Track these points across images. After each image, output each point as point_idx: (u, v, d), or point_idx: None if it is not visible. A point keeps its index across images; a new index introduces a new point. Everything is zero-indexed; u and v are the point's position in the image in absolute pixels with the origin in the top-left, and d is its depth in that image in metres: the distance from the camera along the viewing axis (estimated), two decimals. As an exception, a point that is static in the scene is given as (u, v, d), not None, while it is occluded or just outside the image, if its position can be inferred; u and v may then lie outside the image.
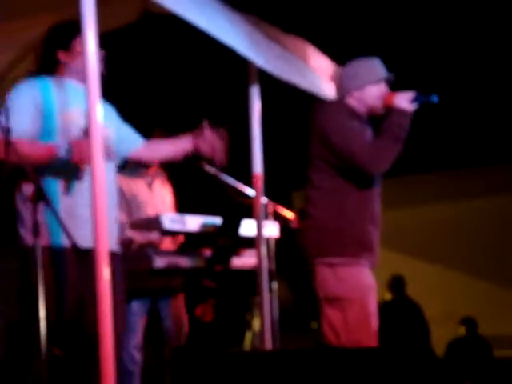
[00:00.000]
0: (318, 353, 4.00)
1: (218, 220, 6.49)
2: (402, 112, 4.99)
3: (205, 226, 6.49)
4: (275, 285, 6.71)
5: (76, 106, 4.97)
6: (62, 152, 4.71)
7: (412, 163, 10.03)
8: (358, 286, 4.98)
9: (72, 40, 5.12)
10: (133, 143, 5.48)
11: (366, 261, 5.07)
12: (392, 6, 8.75)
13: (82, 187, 4.90)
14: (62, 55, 5.12)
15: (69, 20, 5.24)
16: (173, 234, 6.58)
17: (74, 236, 4.38)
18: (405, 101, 5.01)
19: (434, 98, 5.08)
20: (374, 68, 5.23)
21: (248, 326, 10.19)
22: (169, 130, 6.87)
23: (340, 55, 6.40)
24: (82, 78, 4.83)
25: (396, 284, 11.15)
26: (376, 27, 8.82)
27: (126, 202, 6.95)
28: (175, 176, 7.17)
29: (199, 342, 7.91)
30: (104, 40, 4.75)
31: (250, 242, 6.53)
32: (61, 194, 4.95)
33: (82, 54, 4.85)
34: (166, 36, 5.37)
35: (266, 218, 6.57)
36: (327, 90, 6.72)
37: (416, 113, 5.02)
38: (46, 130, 4.78)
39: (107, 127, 5.09)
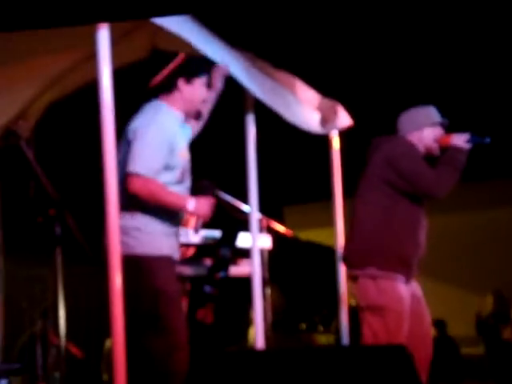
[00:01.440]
0: (311, 352, 4.04)
1: (217, 233, 6.56)
2: (459, 149, 5.15)
3: (206, 238, 6.57)
4: (268, 290, 6.75)
5: (183, 140, 5.04)
6: (190, 206, 4.80)
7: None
8: (396, 298, 5.07)
9: (196, 76, 5.09)
10: None
11: (402, 276, 5.13)
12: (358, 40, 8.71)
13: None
14: (181, 83, 5.06)
15: (199, 57, 5.24)
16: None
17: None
18: (461, 140, 5.16)
19: (487, 140, 5.24)
20: (430, 113, 5.36)
21: (252, 322, 10.29)
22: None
23: (325, 88, 6.50)
24: (186, 110, 5.01)
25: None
26: (355, 61, 8.78)
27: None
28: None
29: (201, 343, 7.96)
30: (118, 75, 4.82)
31: (246, 253, 6.59)
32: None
33: (198, 91, 4.98)
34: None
35: (260, 231, 6.63)
36: (311, 120, 6.83)
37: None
38: (168, 164, 4.78)
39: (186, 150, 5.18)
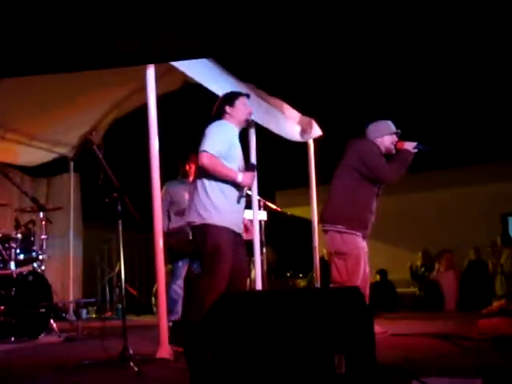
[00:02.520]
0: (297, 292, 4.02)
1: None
2: (409, 152, 5.31)
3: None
4: (264, 249, 6.73)
5: (237, 141, 4.97)
6: (239, 178, 4.68)
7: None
8: (355, 247, 5.19)
9: (235, 100, 4.99)
10: None
11: (360, 233, 5.25)
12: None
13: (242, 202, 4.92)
14: (228, 109, 4.95)
15: (233, 91, 5.25)
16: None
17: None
18: (411, 147, 5.31)
19: (428, 148, 5.37)
20: (389, 125, 5.49)
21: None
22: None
23: (303, 108, 6.51)
24: (239, 122, 4.94)
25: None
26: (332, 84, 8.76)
27: (174, 202, 6.99)
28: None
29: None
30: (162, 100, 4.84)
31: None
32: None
33: (241, 108, 4.95)
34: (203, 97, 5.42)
35: (259, 208, 6.62)
36: (293, 131, 6.85)
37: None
38: (229, 155, 4.70)
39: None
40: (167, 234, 5.38)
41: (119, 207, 4.37)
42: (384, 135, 5.40)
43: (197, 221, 4.68)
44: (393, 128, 5.45)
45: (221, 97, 5.06)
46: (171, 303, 6.54)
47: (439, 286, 10.44)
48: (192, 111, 5.52)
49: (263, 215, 6.84)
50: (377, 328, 3.18)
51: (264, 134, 6.64)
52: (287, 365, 2.43)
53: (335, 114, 6.17)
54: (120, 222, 4.37)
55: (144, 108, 4.81)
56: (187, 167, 7.03)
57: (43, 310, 6.37)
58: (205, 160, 4.62)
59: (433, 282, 10.64)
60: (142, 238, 5.43)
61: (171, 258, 6.56)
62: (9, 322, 5.99)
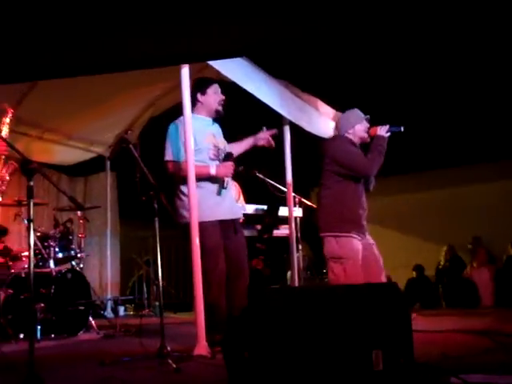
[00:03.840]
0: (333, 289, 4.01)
1: (265, 207, 6.58)
2: (382, 138, 5.18)
3: (257, 210, 6.58)
4: (300, 246, 6.73)
5: (209, 132, 5.03)
6: (212, 171, 4.79)
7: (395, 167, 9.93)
8: (352, 251, 5.07)
9: (207, 88, 5.04)
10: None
11: (356, 234, 5.12)
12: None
13: (226, 191, 4.99)
14: (199, 96, 5.02)
15: (204, 77, 5.32)
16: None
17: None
18: (383, 131, 5.18)
19: (401, 128, 5.22)
20: (357, 114, 5.36)
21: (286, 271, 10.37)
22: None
23: (338, 104, 6.48)
24: (209, 111, 5.02)
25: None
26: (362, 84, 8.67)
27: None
28: (243, 181, 7.27)
29: (254, 282, 7.95)
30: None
31: (285, 220, 6.60)
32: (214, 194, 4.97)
33: (212, 96, 5.01)
34: (236, 96, 5.43)
35: (294, 205, 6.61)
36: (327, 127, 6.84)
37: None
38: (196, 149, 4.74)
39: (219, 139, 5.14)
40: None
41: (155, 205, 4.40)
42: (355, 125, 5.27)
43: (181, 222, 4.83)
44: (361, 115, 5.32)
45: (193, 83, 5.01)
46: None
47: (474, 282, 10.37)
48: (227, 109, 5.52)
49: (299, 212, 6.83)
50: None
51: (299, 130, 6.62)
52: (325, 361, 2.43)
53: (370, 108, 6.11)
54: (156, 219, 4.41)
55: (179, 106, 4.83)
56: None
57: (82, 308, 6.45)
58: (170, 169, 4.83)
59: (466, 278, 10.57)
60: (179, 235, 5.44)
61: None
62: (49, 319, 6.08)
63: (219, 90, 5.13)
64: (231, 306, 4.77)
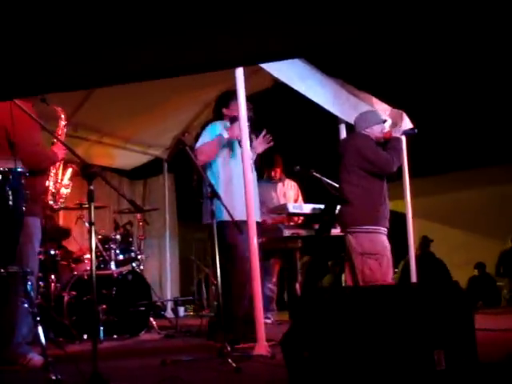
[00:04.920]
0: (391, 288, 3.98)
1: (322, 206, 6.55)
2: (397, 139, 5.36)
3: (314, 209, 6.57)
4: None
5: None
6: (225, 135, 5.04)
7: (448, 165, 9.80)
8: (384, 246, 5.15)
9: (230, 101, 5.25)
10: None
11: (384, 228, 5.22)
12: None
13: (235, 163, 5.10)
14: (224, 110, 5.29)
15: (227, 90, 5.45)
16: (294, 214, 6.66)
17: (232, 210, 4.61)
18: (399, 133, 5.42)
19: (415, 131, 5.52)
20: (376, 115, 5.50)
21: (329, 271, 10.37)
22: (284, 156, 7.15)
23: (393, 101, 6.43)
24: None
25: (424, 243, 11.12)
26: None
27: (263, 202, 7.08)
28: (301, 181, 7.31)
29: (313, 283, 7.94)
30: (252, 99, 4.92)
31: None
32: (221, 168, 5.15)
33: (235, 108, 5.09)
34: (292, 96, 5.48)
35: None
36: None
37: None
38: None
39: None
40: (259, 232, 5.42)
41: (213, 207, 4.42)
42: (373, 125, 5.32)
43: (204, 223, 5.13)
44: (380, 117, 5.42)
45: (217, 99, 5.47)
46: (266, 301, 6.61)
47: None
48: (283, 109, 5.58)
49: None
50: None
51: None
52: (386, 361, 2.41)
53: (425, 105, 6.07)
54: (214, 221, 4.42)
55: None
56: (273, 173, 7.26)
57: (143, 309, 6.54)
58: (198, 155, 4.98)
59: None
60: (234, 234, 5.50)
61: (264, 255, 6.62)
62: (111, 320, 6.19)
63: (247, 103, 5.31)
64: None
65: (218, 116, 5.42)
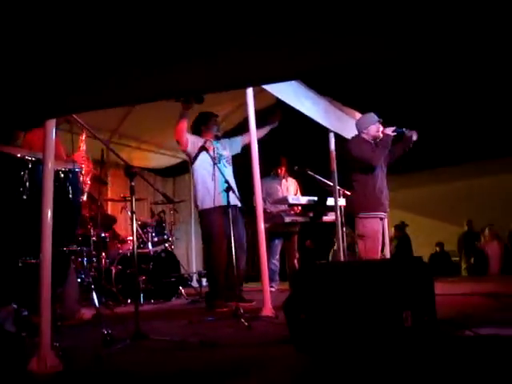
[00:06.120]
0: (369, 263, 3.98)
1: (315, 198, 6.59)
2: (388, 136, 5.11)
3: (309, 201, 6.58)
4: (344, 229, 6.70)
5: (211, 145, 5.30)
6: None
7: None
8: (375, 230, 5.00)
9: (208, 120, 5.43)
10: (238, 142, 5.52)
11: (379, 213, 5.07)
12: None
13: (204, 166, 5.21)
14: (203, 127, 5.42)
15: (206, 111, 5.51)
16: (294, 205, 6.65)
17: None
18: (390, 131, 5.13)
19: (402, 130, 5.17)
20: (372, 117, 5.26)
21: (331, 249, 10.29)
22: (288, 157, 7.13)
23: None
24: (211, 136, 5.36)
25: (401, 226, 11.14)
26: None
27: (269, 194, 7.09)
28: (300, 178, 7.30)
29: (305, 258, 7.93)
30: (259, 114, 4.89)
31: (331, 208, 6.58)
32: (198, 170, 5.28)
33: (212, 127, 5.37)
34: (291, 112, 5.46)
35: (339, 196, 6.57)
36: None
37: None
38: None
39: (222, 151, 5.39)
40: (266, 219, 5.45)
41: (229, 199, 4.45)
42: (368, 126, 5.16)
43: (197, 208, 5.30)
44: (375, 118, 5.21)
45: (196, 117, 5.47)
46: (271, 273, 6.65)
47: (485, 254, 10.26)
48: (285, 122, 5.56)
49: (342, 201, 6.79)
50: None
51: (342, 137, 6.59)
52: (366, 320, 2.44)
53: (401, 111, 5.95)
54: (230, 210, 4.45)
55: (246, 121, 4.84)
56: (279, 170, 7.25)
57: (174, 279, 6.59)
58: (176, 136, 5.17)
59: (480, 250, 10.47)
60: (247, 221, 5.50)
61: (269, 237, 6.64)
62: (149, 288, 6.25)
63: (218, 122, 5.52)
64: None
65: (196, 131, 5.44)
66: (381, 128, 5.19)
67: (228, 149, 5.46)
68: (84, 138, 4.51)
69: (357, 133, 5.29)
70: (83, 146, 4.52)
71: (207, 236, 5.20)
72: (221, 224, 5.05)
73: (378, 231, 5.07)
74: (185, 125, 5.14)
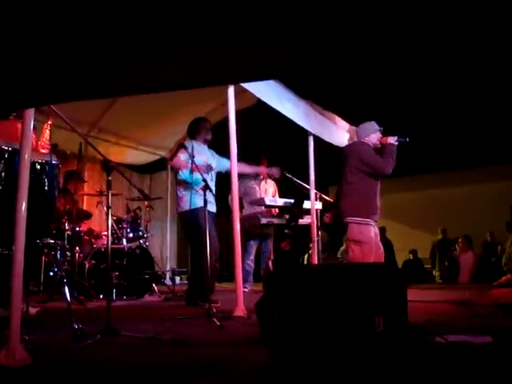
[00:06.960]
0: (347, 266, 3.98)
1: (292, 200, 6.59)
2: (392, 145, 5.08)
3: (286, 203, 6.59)
4: (320, 232, 6.73)
5: (202, 149, 5.36)
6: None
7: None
8: (369, 236, 4.98)
9: (199, 125, 5.54)
10: (225, 165, 5.36)
11: (373, 220, 5.06)
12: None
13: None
14: (194, 131, 5.53)
15: (199, 117, 5.64)
16: (270, 207, 6.64)
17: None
18: (393, 140, 5.09)
19: (405, 139, 5.11)
20: (373, 125, 5.22)
21: (306, 252, 10.30)
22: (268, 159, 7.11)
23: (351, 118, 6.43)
24: (203, 140, 5.47)
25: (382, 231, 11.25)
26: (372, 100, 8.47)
27: (248, 194, 7.09)
28: (278, 181, 7.30)
29: (281, 260, 7.93)
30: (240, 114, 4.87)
31: (308, 211, 6.59)
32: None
33: (203, 132, 5.46)
34: (271, 113, 5.46)
35: (316, 199, 6.61)
36: (343, 138, 6.79)
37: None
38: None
39: (212, 161, 5.43)
40: (242, 219, 5.44)
41: (205, 196, 4.42)
42: (370, 134, 5.14)
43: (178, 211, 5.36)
44: (376, 126, 5.21)
45: (190, 123, 5.58)
46: (245, 274, 6.64)
47: (458, 262, 10.43)
48: (265, 123, 5.55)
49: (319, 205, 6.83)
50: None
51: (320, 140, 6.60)
52: (338, 324, 2.45)
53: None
54: (206, 208, 4.42)
55: (226, 120, 4.81)
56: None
57: (147, 276, 6.55)
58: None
59: (453, 258, 10.62)
60: (223, 221, 5.49)
61: (245, 237, 6.64)
62: (121, 284, 6.20)
63: (208, 126, 5.55)
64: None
65: (191, 135, 5.51)
66: (380, 137, 5.17)
67: (215, 163, 5.51)
68: (48, 126, 4.33)
69: (355, 139, 5.31)
70: (47, 135, 4.36)
71: (196, 236, 5.10)
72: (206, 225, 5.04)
73: (376, 235, 5.09)
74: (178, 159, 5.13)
